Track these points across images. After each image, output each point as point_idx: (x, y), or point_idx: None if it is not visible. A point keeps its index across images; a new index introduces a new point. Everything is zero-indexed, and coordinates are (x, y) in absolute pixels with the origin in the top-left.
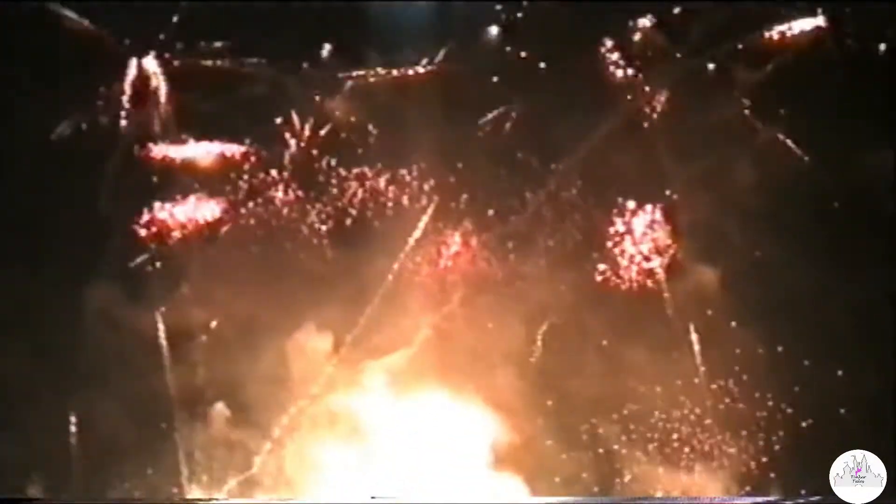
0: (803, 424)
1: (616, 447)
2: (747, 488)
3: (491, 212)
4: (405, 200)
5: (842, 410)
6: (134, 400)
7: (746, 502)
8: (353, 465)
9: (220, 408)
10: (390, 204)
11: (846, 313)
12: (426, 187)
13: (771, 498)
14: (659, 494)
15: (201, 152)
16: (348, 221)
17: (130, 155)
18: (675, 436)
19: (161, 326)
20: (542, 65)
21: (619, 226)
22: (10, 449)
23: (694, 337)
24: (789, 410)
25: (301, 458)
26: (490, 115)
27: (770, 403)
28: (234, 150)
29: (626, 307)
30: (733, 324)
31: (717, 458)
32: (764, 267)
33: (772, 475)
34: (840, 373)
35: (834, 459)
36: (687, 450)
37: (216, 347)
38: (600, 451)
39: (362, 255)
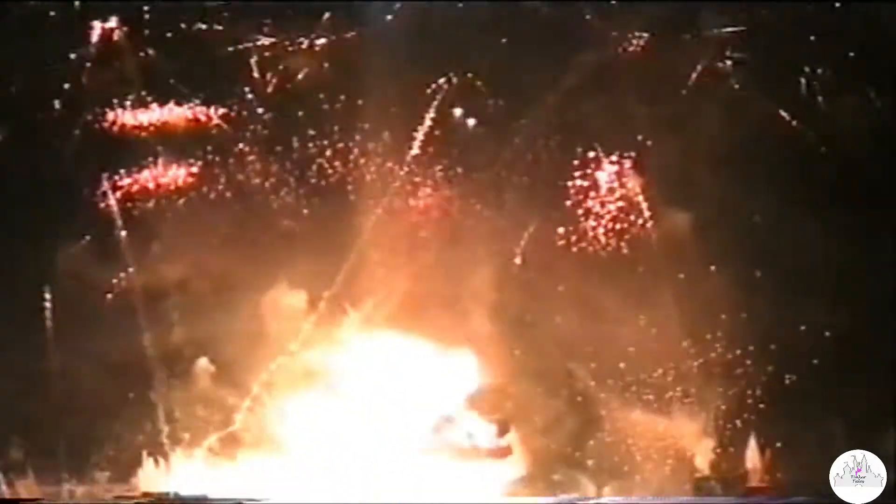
0: (780, 371)
1: (593, 393)
2: (727, 432)
3: (460, 169)
4: (376, 158)
5: (815, 361)
6: (111, 360)
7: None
8: (333, 418)
9: (200, 366)
10: (361, 161)
11: (822, 259)
12: (396, 143)
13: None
14: (637, 443)
15: (169, 114)
16: (320, 180)
17: (97, 117)
18: (653, 382)
19: (135, 287)
20: (508, 14)
21: (588, 177)
22: None
23: (669, 285)
24: (764, 356)
25: (281, 413)
26: (458, 68)
27: (746, 350)
28: (201, 111)
29: (601, 256)
30: (712, 268)
31: (695, 403)
32: (737, 215)
33: (748, 417)
34: (817, 320)
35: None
36: (666, 396)
37: (193, 306)
38: (579, 398)
39: (335, 213)
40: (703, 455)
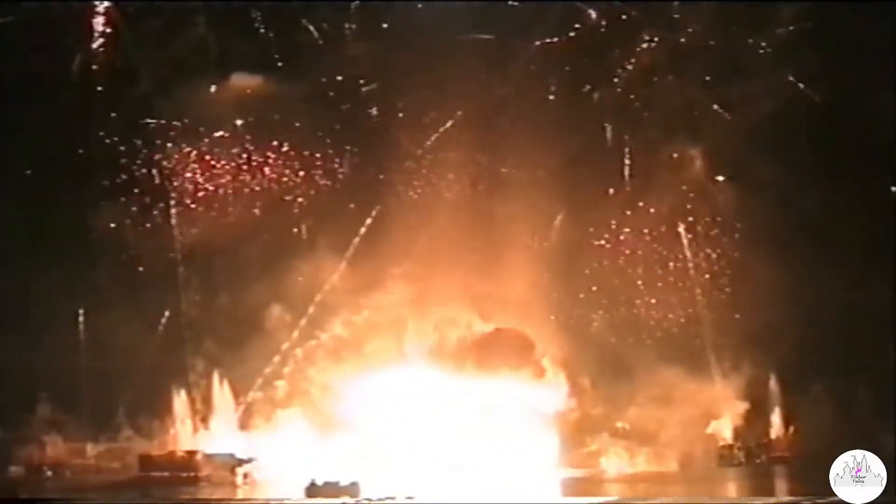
0: (804, 334)
1: (620, 345)
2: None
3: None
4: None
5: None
6: (147, 320)
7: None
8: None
9: (242, 328)
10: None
11: (851, 234)
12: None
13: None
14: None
15: (231, 83)
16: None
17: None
18: (680, 339)
19: (177, 248)
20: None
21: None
22: (20, 368)
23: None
24: (791, 321)
25: (320, 379)
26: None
27: (771, 313)
28: (255, 82)
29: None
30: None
31: (719, 360)
32: (777, 193)
33: (770, 374)
34: (843, 287)
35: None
36: (697, 364)
37: (234, 270)
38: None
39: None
40: (727, 424)
